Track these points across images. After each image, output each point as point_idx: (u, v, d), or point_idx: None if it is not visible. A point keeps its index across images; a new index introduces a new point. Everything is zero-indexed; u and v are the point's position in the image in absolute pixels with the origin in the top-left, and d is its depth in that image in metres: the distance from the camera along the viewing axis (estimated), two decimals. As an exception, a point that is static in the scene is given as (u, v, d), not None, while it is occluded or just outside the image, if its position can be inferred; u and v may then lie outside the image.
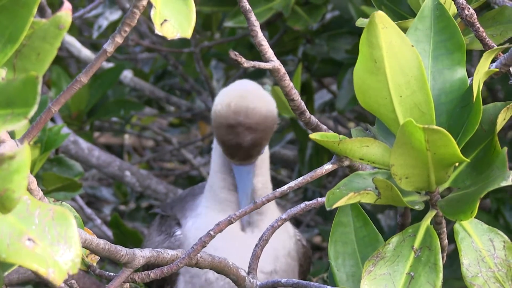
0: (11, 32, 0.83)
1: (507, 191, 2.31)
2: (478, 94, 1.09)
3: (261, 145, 1.69)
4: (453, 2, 1.29)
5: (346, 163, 1.23)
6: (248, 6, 1.19)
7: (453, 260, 1.90)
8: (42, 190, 1.26)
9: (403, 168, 1.06)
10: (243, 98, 1.68)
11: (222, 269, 1.28)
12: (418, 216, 1.19)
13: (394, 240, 1.13)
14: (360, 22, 1.39)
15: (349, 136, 1.14)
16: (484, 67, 1.12)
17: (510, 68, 1.26)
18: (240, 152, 1.68)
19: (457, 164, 1.11)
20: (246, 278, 1.29)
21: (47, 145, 1.87)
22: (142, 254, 1.18)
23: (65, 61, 3.15)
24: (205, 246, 1.22)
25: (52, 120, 2.49)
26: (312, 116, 1.29)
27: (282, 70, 1.22)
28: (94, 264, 1.24)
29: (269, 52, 1.21)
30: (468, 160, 1.09)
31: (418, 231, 1.12)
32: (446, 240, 1.19)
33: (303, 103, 1.27)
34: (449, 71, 1.16)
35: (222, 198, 1.74)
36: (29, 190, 1.05)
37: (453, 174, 1.13)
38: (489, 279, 1.10)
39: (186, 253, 1.22)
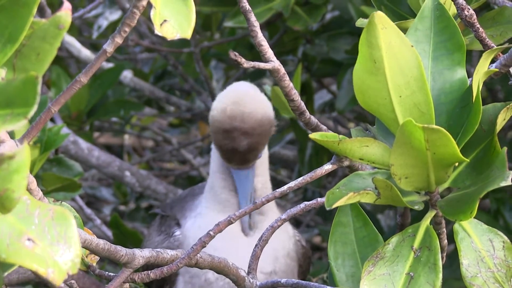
0: (11, 32, 0.83)
1: (507, 191, 2.31)
2: (478, 94, 1.09)
3: (257, 150, 1.69)
4: (453, 2, 1.29)
5: (346, 163, 1.23)
6: (248, 6, 1.19)
7: (452, 260, 1.90)
8: (41, 190, 1.26)
9: (402, 168, 1.06)
10: (238, 103, 1.68)
11: (221, 269, 1.28)
12: (418, 216, 1.18)
13: (393, 240, 1.13)
14: (360, 22, 1.39)
15: (349, 136, 1.14)
16: (484, 68, 1.12)
17: (510, 69, 1.26)
18: (237, 157, 1.69)
19: (456, 164, 1.11)
20: (246, 278, 1.29)
21: (46, 145, 1.87)
22: (141, 254, 1.18)
23: (65, 61, 3.15)
24: (205, 246, 1.22)
25: (52, 120, 2.49)
26: (312, 117, 1.29)
27: (282, 70, 1.22)
28: (94, 264, 1.24)
29: (269, 53, 1.21)
30: (467, 160, 1.09)
31: (417, 231, 1.12)
32: (446, 240, 1.19)
33: (303, 104, 1.27)
34: (449, 71, 1.16)
35: (223, 199, 1.74)
36: (29, 190, 1.05)
37: (453, 174, 1.13)
38: (489, 279, 1.10)
39: (185, 253, 1.22)
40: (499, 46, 1.23)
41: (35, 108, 0.77)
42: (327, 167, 1.23)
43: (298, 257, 1.78)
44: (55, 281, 0.77)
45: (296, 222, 2.87)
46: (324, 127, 1.30)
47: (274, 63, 1.21)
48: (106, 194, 3.14)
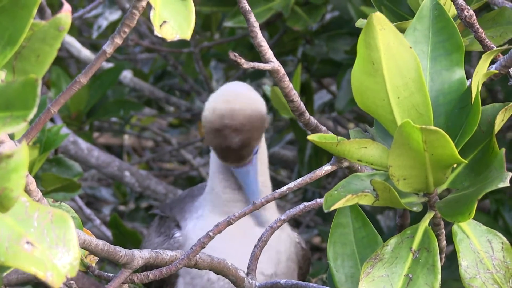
0: (11, 34, 0.83)
1: (506, 192, 2.31)
2: (477, 95, 1.08)
3: (250, 145, 1.70)
4: (452, 3, 1.29)
5: (345, 164, 1.23)
6: (247, 7, 1.19)
7: (451, 261, 1.90)
8: (41, 190, 1.26)
9: (401, 169, 1.06)
10: (227, 101, 1.70)
11: (221, 270, 1.28)
12: (417, 217, 1.18)
13: (392, 241, 1.13)
14: (360, 23, 1.39)
15: (348, 137, 1.15)
16: (483, 69, 1.11)
17: (509, 70, 1.26)
18: (232, 154, 1.70)
19: (455, 165, 1.11)
20: (245, 279, 1.29)
21: (46, 146, 1.87)
22: (141, 255, 1.18)
23: (64, 62, 3.15)
24: (204, 247, 1.22)
25: (52, 120, 2.49)
26: (312, 117, 1.29)
27: (282, 71, 1.22)
28: (93, 264, 1.24)
29: (269, 53, 1.21)
30: (465, 161, 1.09)
31: (416, 232, 1.12)
32: (445, 242, 1.19)
33: (302, 104, 1.27)
34: (448, 72, 1.15)
35: (224, 199, 1.75)
36: (28, 191, 1.05)
37: (451, 175, 1.13)
38: (487, 280, 1.10)
39: (185, 254, 1.22)
40: (499, 48, 1.23)
41: (34, 110, 0.77)
42: (327, 168, 1.23)
43: (298, 259, 1.79)
44: (54, 284, 0.77)
45: (295, 222, 2.87)
46: (324, 128, 1.30)
47: (274, 63, 1.22)
48: (105, 194, 3.14)
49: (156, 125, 3.66)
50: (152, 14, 1.01)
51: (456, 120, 1.12)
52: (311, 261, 1.87)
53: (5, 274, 0.88)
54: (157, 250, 1.21)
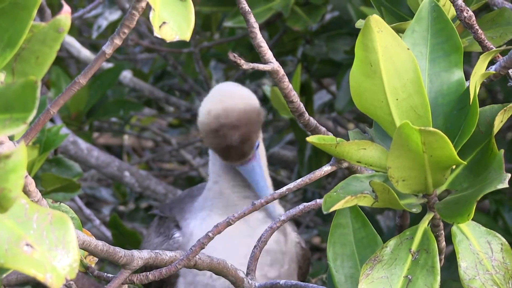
0: (11, 36, 0.83)
1: (506, 192, 2.31)
2: (475, 96, 1.08)
3: (250, 140, 1.71)
4: (452, 4, 1.29)
5: (345, 164, 1.23)
6: (247, 7, 1.19)
7: (451, 261, 1.90)
8: (41, 191, 1.26)
9: (400, 171, 1.06)
10: (220, 101, 1.72)
11: (220, 270, 1.28)
12: (417, 217, 1.18)
13: (391, 243, 1.13)
14: (359, 23, 1.39)
15: (347, 138, 1.15)
16: (481, 70, 1.11)
17: (509, 71, 1.26)
18: (234, 152, 1.70)
19: (454, 166, 1.11)
20: (245, 279, 1.29)
21: (46, 146, 1.87)
22: (140, 256, 1.18)
23: (64, 62, 3.15)
24: (204, 248, 1.22)
25: (51, 120, 2.49)
26: (311, 118, 1.29)
27: (281, 71, 1.22)
28: (93, 265, 1.24)
29: (268, 54, 1.21)
30: (464, 162, 1.09)
31: (415, 234, 1.12)
32: (444, 243, 1.19)
33: (302, 105, 1.27)
34: (446, 73, 1.15)
35: (229, 198, 1.75)
36: (28, 191, 1.05)
37: (450, 176, 1.13)
38: (487, 281, 1.10)
39: (184, 255, 1.22)
40: (497, 49, 1.23)
41: (34, 113, 0.77)
42: (326, 168, 1.23)
43: (298, 259, 1.79)
44: (53, 286, 0.77)
45: (295, 223, 2.87)
46: (323, 129, 1.30)
47: (273, 64, 1.22)
48: (105, 194, 3.15)
49: (156, 125, 3.66)
50: (151, 15, 1.01)
51: (455, 121, 1.12)
52: (311, 261, 1.87)
53: (4, 275, 0.88)
54: (156, 251, 1.21)
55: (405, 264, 1.11)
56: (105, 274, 1.24)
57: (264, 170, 1.76)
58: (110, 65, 2.86)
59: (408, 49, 1.07)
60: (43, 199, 1.08)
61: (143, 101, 3.10)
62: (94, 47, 3.26)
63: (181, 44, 2.72)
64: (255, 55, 2.62)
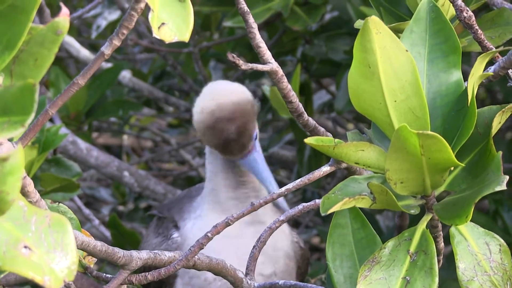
0: (9, 38, 0.83)
1: (505, 192, 2.31)
2: (473, 97, 1.08)
3: (247, 131, 1.71)
4: (451, 4, 1.28)
5: (344, 165, 1.23)
6: (246, 8, 1.19)
7: (450, 261, 1.90)
8: (40, 191, 1.26)
9: (398, 173, 1.06)
10: (212, 98, 1.73)
11: (219, 270, 1.28)
12: (416, 218, 1.18)
13: (390, 244, 1.13)
14: (358, 23, 1.39)
15: (346, 138, 1.15)
16: (479, 71, 1.11)
17: (508, 71, 1.26)
18: (233, 145, 1.71)
19: (452, 168, 1.11)
20: (244, 279, 1.29)
21: (45, 146, 1.87)
22: (139, 256, 1.18)
23: (63, 62, 3.15)
24: (202, 248, 1.22)
25: (51, 120, 2.49)
26: (310, 118, 1.29)
27: (280, 72, 1.22)
28: (92, 265, 1.24)
29: (267, 54, 1.22)
30: (462, 165, 1.09)
31: (414, 235, 1.12)
32: (442, 243, 1.19)
33: (301, 105, 1.27)
34: (445, 74, 1.15)
35: (228, 198, 1.75)
36: (26, 192, 1.05)
37: (449, 177, 1.13)
38: (485, 283, 1.10)
39: (183, 255, 1.22)
40: (495, 50, 1.23)
41: (32, 116, 0.77)
42: (325, 169, 1.23)
43: (296, 258, 1.79)
44: (52, 288, 0.78)
45: (295, 223, 2.87)
46: (322, 129, 1.30)
47: (272, 64, 1.22)
48: (104, 194, 3.15)
49: (155, 125, 3.66)
50: (150, 16, 1.01)
51: (453, 122, 1.12)
52: (310, 261, 1.87)
53: (2, 276, 0.88)
54: (155, 251, 1.21)
55: (403, 266, 1.11)
56: (104, 274, 1.24)
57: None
58: (109, 65, 2.86)
59: (406, 50, 1.07)
60: (42, 199, 1.08)
61: (142, 101, 3.10)
62: (93, 47, 3.26)
63: (180, 44, 2.72)
64: (254, 55, 2.62)
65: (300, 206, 1.31)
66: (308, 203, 1.31)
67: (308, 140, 1.08)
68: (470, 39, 1.38)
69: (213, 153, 1.77)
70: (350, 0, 2.35)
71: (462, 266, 1.11)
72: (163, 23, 1.02)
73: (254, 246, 1.32)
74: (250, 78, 2.76)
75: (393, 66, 1.07)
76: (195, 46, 2.64)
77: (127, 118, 3.11)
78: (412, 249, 1.12)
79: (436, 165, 1.06)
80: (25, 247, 0.78)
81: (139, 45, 2.95)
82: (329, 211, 1.05)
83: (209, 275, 1.71)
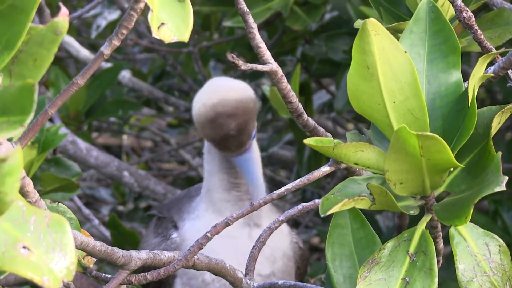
0: (8, 39, 0.83)
1: (505, 193, 2.31)
2: (473, 99, 1.08)
3: (247, 128, 1.71)
4: (451, 4, 1.28)
5: (343, 165, 1.23)
6: (245, 8, 1.19)
7: (450, 261, 1.90)
8: (39, 190, 1.26)
9: (397, 174, 1.06)
10: (215, 91, 1.72)
11: (219, 271, 1.28)
12: (416, 217, 1.19)
13: (389, 245, 1.13)
14: (358, 23, 1.39)
15: (346, 139, 1.15)
16: (480, 72, 1.11)
17: (508, 71, 1.26)
18: (231, 142, 1.70)
19: (452, 168, 1.11)
20: (243, 280, 1.29)
21: (44, 145, 1.87)
22: (138, 256, 1.18)
23: (63, 61, 3.15)
24: (202, 248, 1.22)
25: (50, 120, 2.49)
26: (310, 118, 1.29)
27: (280, 72, 1.22)
28: (91, 265, 1.24)
29: (267, 54, 1.22)
30: (462, 165, 1.09)
31: (413, 236, 1.12)
32: (442, 244, 1.19)
33: (300, 106, 1.27)
34: (444, 74, 1.15)
35: (221, 199, 1.75)
36: (25, 192, 1.05)
37: (448, 178, 1.13)
38: (485, 283, 1.10)
39: (182, 255, 1.22)
40: (496, 51, 1.23)
41: (31, 116, 0.77)
42: (325, 169, 1.23)
43: (295, 258, 1.79)
44: (50, 288, 0.78)
45: (294, 223, 2.87)
46: (322, 129, 1.30)
47: (272, 65, 1.22)
48: (104, 194, 3.15)
49: (155, 125, 3.66)
50: (150, 16, 1.01)
51: (453, 123, 1.12)
52: (310, 261, 1.87)
53: (2, 277, 0.88)
54: (155, 251, 1.22)
55: (403, 266, 1.11)
56: (103, 274, 1.24)
57: (258, 163, 1.77)
58: (109, 65, 2.86)
59: (405, 52, 1.07)
60: (41, 199, 1.08)
61: (142, 101, 3.10)
62: (93, 47, 3.26)
63: (180, 44, 2.71)
64: (254, 55, 2.62)
65: (300, 206, 1.31)
66: (308, 203, 1.31)
67: (308, 141, 1.08)
68: (469, 39, 1.38)
69: (210, 152, 1.77)
70: (350, 0, 2.35)
71: (462, 266, 1.11)
72: (162, 23, 1.02)
73: (253, 246, 1.32)
74: (249, 78, 2.76)
75: (392, 67, 1.07)
76: (194, 46, 2.64)
77: (127, 118, 3.11)
78: (412, 249, 1.12)
79: (435, 166, 1.06)
80: (24, 247, 0.78)
81: (139, 45, 2.95)
82: (328, 212, 1.05)
83: (207, 276, 1.71)
